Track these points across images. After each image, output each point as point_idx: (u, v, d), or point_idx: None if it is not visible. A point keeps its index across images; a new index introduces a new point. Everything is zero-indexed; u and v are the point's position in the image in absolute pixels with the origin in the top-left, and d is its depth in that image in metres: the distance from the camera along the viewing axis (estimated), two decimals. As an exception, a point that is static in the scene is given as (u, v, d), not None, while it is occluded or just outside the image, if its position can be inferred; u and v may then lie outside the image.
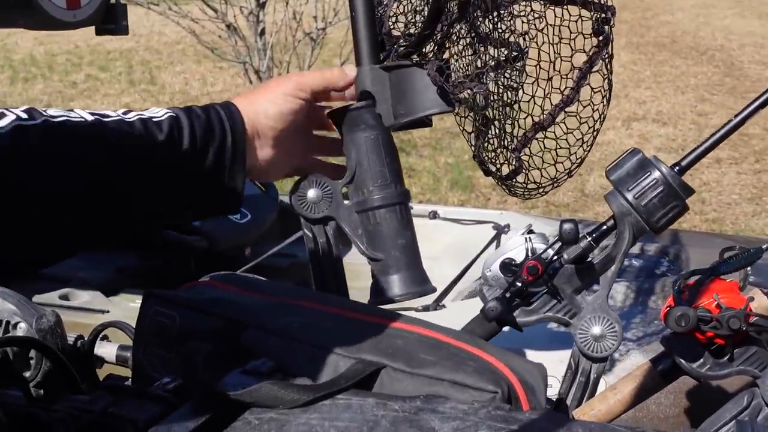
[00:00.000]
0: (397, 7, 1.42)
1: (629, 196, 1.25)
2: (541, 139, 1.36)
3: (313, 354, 1.19)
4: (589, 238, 1.28)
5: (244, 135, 1.22)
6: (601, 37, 1.29)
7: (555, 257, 1.26)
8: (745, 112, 1.29)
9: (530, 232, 1.33)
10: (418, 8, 1.40)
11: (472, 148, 1.48)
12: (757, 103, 1.29)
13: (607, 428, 1.01)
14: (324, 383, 1.12)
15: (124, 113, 1.15)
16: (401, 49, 1.37)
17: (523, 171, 1.40)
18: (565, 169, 1.35)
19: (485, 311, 1.25)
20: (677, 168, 1.28)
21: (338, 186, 1.34)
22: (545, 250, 1.27)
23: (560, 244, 1.26)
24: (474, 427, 1.00)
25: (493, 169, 1.43)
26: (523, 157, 1.39)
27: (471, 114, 1.41)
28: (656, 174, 1.25)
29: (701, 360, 1.24)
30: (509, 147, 1.39)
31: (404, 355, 1.17)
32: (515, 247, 1.32)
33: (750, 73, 10.39)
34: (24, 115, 1.07)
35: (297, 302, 1.29)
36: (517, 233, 1.35)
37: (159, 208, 1.21)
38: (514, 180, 1.42)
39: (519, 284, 1.26)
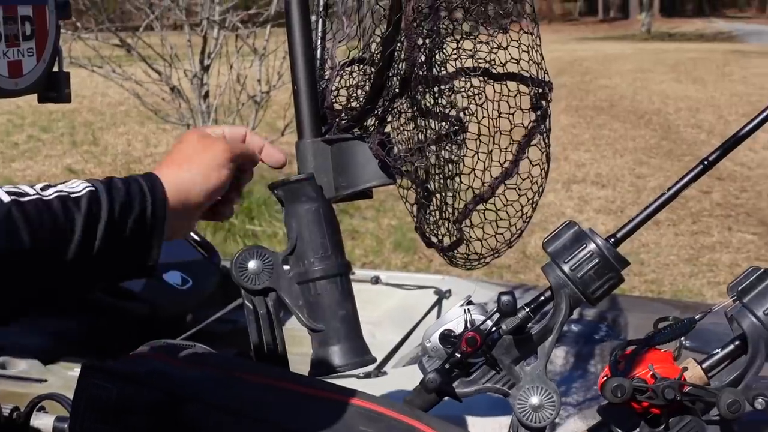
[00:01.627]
0: (339, 81, 1.44)
1: (566, 268, 1.27)
2: (482, 211, 1.39)
3: (254, 429, 1.19)
4: (527, 310, 1.29)
5: (165, 208, 1.19)
6: (539, 112, 1.32)
7: (493, 328, 1.27)
8: (678, 186, 1.32)
9: (469, 303, 1.35)
10: (360, 83, 1.42)
11: (414, 219, 1.50)
12: (689, 177, 1.33)
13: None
14: (266, 458, 1.12)
15: (43, 189, 1.13)
16: (343, 122, 1.39)
17: (464, 242, 1.42)
18: (505, 240, 1.38)
19: (425, 383, 1.26)
20: (612, 240, 1.30)
21: (279, 257, 1.35)
22: (484, 322, 1.29)
23: (499, 315, 1.27)
24: (413, 501, 1.01)
25: (435, 240, 1.45)
26: (463, 229, 1.41)
27: (412, 186, 1.43)
28: (592, 246, 1.27)
29: (638, 429, 1.26)
30: (450, 219, 1.41)
31: (344, 428, 1.17)
32: (454, 318, 1.33)
33: (686, 137, 10.61)
34: None
35: (238, 375, 1.29)
36: (457, 304, 1.36)
37: (72, 280, 1.19)
38: (455, 251, 1.44)
39: (458, 355, 1.27)
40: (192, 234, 2.86)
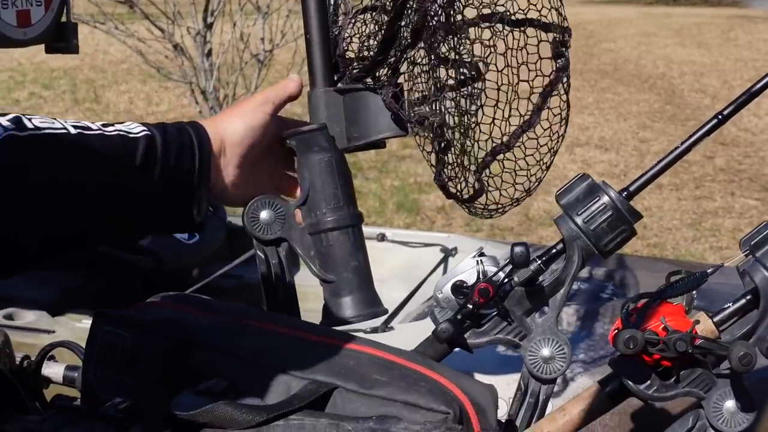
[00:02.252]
0: (352, 29, 1.43)
1: (578, 220, 1.27)
2: (501, 160, 1.38)
3: (266, 375, 1.19)
4: (539, 262, 1.29)
5: (210, 156, 1.23)
6: (561, 60, 1.31)
7: (506, 280, 1.28)
8: (691, 140, 1.32)
9: (481, 254, 1.35)
10: (372, 32, 1.41)
11: (433, 169, 1.49)
12: (703, 131, 1.32)
13: (557, 448, 1.03)
14: (277, 404, 1.13)
15: (104, 125, 1.16)
16: (354, 72, 1.38)
17: (484, 192, 1.41)
18: (524, 189, 1.37)
19: (437, 333, 1.26)
20: (625, 193, 1.30)
21: (291, 207, 1.35)
22: (496, 273, 1.29)
23: (511, 266, 1.28)
24: (427, 447, 1.02)
25: (454, 191, 1.44)
26: (483, 179, 1.40)
27: (429, 137, 1.42)
28: (605, 199, 1.27)
29: (648, 382, 1.26)
30: (470, 169, 1.41)
31: (357, 376, 1.17)
32: (466, 270, 1.33)
33: (690, 101, 10.58)
34: (11, 125, 1.08)
35: (249, 323, 1.29)
36: (469, 255, 1.36)
37: (128, 223, 1.21)
38: (474, 201, 1.43)
39: (470, 306, 1.28)
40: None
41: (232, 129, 1.29)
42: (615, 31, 16.14)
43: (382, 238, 2.84)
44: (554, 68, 1.32)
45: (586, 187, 1.29)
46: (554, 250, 1.31)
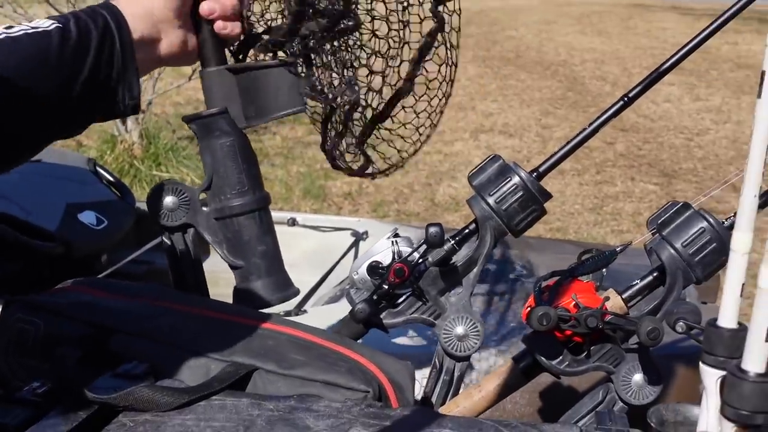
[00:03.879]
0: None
1: (490, 200, 1.29)
2: (380, 128, 1.40)
3: (184, 357, 1.19)
4: (453, 242, 1.32)
5: (129, 34, 1.17)
6: (436, 19, 1.32)
7: (420, 260, 1.29)
8: (599, 121, 1.36)
9: (396, 235, 1.37)
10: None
11: (328, 140, 1.49)
12: (610, 112, 1.36)
13: (474, 422, 1.05)
14: (197, 386, 1.13)
15: (7, 28, 1.10)
16: (262, 46, 1.36)
17: (371, 164, 1.43)
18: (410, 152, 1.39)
19: (354, 313, 1.28)
20: (535, 174, 1.33)
21: (195, 193, 1.33)
22: (411, 253, 1.31)
23: (425, 247, 1.29)
24: (348, 424, 1.03)
25: (343, 163, 1.45)
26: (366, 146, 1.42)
27: (325, 108, 1.42)
28: (516, 179, 1.30)
29: (560, 357, 1.30)
30: (355, 140, 1.42)
31: (276, 356, 1.18)
32: (382, 250, 1.35)
33: (591, 88, 10.77)
34: None
35: (165, 305, 1.28)
36: (384, 236, 1.38)
37: (61, 119, 1.16)
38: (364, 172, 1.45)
39: (386, 287, 1.29)
40: (105, 174, 2.82)
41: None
42: (518, 18, 16.34)
43: (292, 222, 2.84)
44: (430, 30, 1.33)
45: (498, 168, 1.32)
46: (467, 231, 1.34)
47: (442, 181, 7.10)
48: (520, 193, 1.29)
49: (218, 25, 1.30)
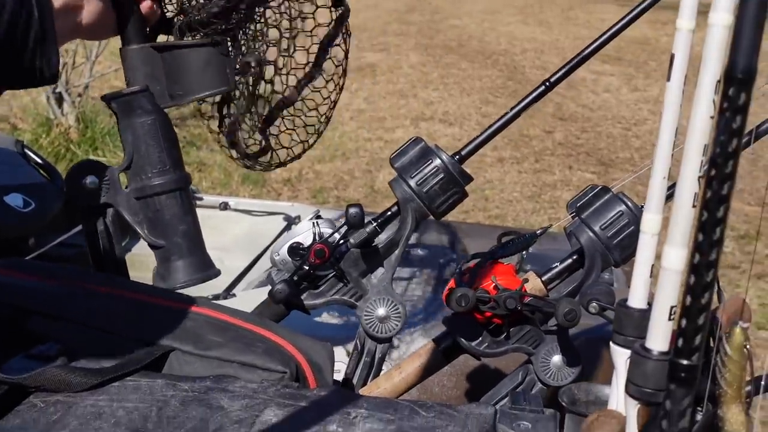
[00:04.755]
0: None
1: (412, 182, 1.29)
2: (287, 117, 1.40)
3: (101, 338, 1.18)
4: (375, 224, 1.32)
5: (50, 2, 1.15)
6: (340, 9, 1.32)
7: (341, 241, 1.29)
8: (520, 106, 1.37)
9: (318, 216, 1.36)
10: None
11: (222, 129, 1.49)
12: (531, 97, 1.37)
13: (391, 403, 1.05)
14: (112, 366, 1.12)
15: None
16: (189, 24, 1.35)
17: (270, 150, 1.43)
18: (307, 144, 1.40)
19: (272, 294, 1.27)
20: (457, 157, 1.34)
21: (115, 172, 1.32)
22: (332, 234, 1.31)
23: (347, 228, 1.29)
24: (263, 405, 1.03)
25: (242, 146, 1.45)
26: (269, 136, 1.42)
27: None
28: (437, 162, 1.30)
29: (480, 338, 1.31)
30: (256, 126, 1.42)
31: (193, 337, 1.17)
32: (303, 232, 1.34)
33: (531, 78, 10.81)
34: None
35: (84, 286, 1.27)
36: (305, 218, 1.38)
37: None
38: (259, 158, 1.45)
39: (306, 267, 1.29)
40: (34, 156, 2.78)
41: None
42: (461, 7, 16.35)
43: (225, 206, 2.82)
44: (332, 20, 1.34)
45: (419, 150, 1.32)
46: (389, 213, 1.34)
47: (382, 168, 7.09)
48: (441, 176, 1.30)
49: (145, 5, 1.28)
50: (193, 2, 1.34)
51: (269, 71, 1.41)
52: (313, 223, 1.34)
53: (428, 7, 16.05)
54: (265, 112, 1.42)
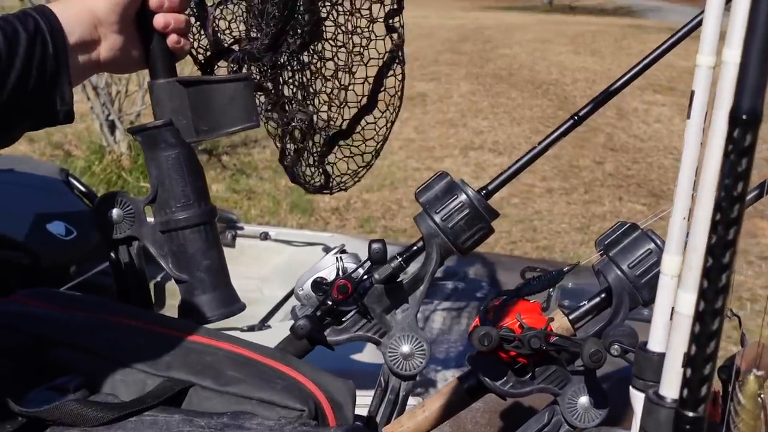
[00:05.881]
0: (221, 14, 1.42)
1: (437, 218, 1.28)
2: (342, 146, 1.41)
3: (122, 371, 1.18)
4: (399, 259, 1.30)
5: (65, 39, 1.14)
6: (395, 35, 1.32)
7: (365, 277, 1.28)
8: (549, 140, 1.35)
9: (342, 251, 1.35)
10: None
11: (289, 156, 1.50)
12: (559, 131, 1.35)
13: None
14: (131, 401, 1.11)
15: None
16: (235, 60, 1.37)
17: (331, 182, 1.44)
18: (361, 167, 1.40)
19: (294, 329, 1.26)
20: (484, 192, 1.32)
21: (140, 205, 1.32)
22: (355, 270, 1.29)
23: (370, 263, 1.28)
24: (278, 443, 1.01)
25: (301, 179, 1.46)
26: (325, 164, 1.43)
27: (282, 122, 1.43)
28: (462, 197, 1.28)
29: (504, 378, 1.28)
30: (315, 158, 1.43)
31: (212, 372, 1.16)
32: (327, 266, 1.33)
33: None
34: None
35: (107, 318, 1.27)
36: (330, 252, 1.37)
37: None
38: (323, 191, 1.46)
39: (329, 303, 1.28)
40: (77, 184, 2.81)
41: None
42: (512, 36, 16.35)
43: (265, 236, 2.82)
44: (387, 50, 1.34)
45: (445, 185, 1.30)
46: (414, 248, 1.32)
47: (429, 197, 7.09)
48: (466, 211, 1.28)
49: (172, 39, 1.28)
50: (252, 33, 1.36)
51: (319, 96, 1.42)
52: (337, 257, 1.33)
53: (481, 36, 16.07)
54: (321, 145, 1.44)
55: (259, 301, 2.44)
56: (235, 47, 1.44)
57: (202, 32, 1.45)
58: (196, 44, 1.48)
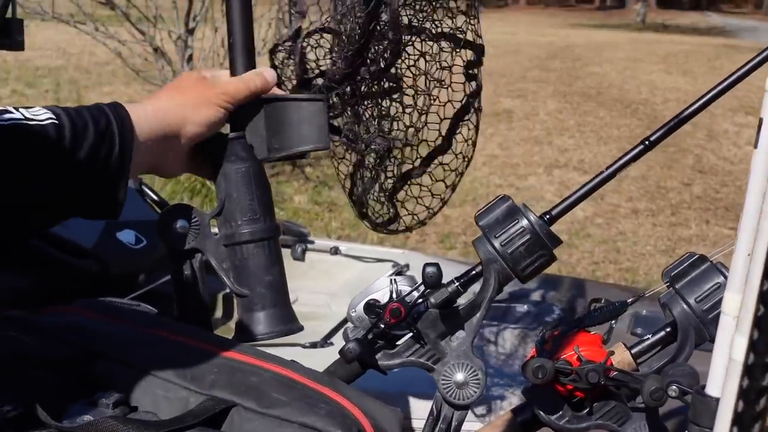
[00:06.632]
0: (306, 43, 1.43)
1: (496, 243, 1.23)
2: (413, 184, 1.39)
3: (166, 387, 1.16)
4: (457, 284, 1.26)
5: (131, 143, 1.16)
6: (473, 83, 1.29)
7: (420, 301, 1.24)
8: (617, 165, 1.30)
9: (398, 273, 1.32)
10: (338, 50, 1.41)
11: (356, 189, 1.49)
12: (629, 156, 1.30)
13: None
14: (168, 420, 1.09)
15: (2, 111, 1.08)
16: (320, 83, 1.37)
17: (398, 219, 1.41)
18: (431, 211, 1.38)
19: (344, 352, 1.22)
20: (547, 217, 1.27)
21: (206, 218, 1.31)
22: (409, 293, 1.25)
23: (425, 287, 1.24)
24: (317, 470, 0.98)
25: (371, 214, 1.45)
26: (395, 202, 1.41)
27: (348, 157, 1.43)
28: (524, 222, 1.23)
29: (560, 412, 1.23)
30: (385, 194, 1.41)
31: (256, 393, 1.14)
32: (381, 288, 1.30)
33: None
34: None
35: (156, 332, 1.25)
36: (385, 274, 1.33)
37: (38, 213, 1.15)
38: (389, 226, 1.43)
39: (381, 326, 1.24)
40: (150, 193, 2.82)
41: (177, 115, 1.24)
42: (602, 54, 16.17)
43: (335, 251, 2.80)
44: (466, 94, 1.31)
45: (506, 209, 1.25)
46: (473, 273, 1.27)
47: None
48: (527, 237, 1.23)
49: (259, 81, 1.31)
50: (336, 66, 1.36)
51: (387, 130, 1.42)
52: (391, 280, 1.29)
53: (570, 54, 15.92)
54: (392, 183, 1.42)
55: (326, 317, 2.41)
56: (319, 80, 1.44)
57: (291, 60, 1.46)
58: (287, 72, 1.49)
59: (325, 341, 2.19)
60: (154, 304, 1.40)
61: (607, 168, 1.28)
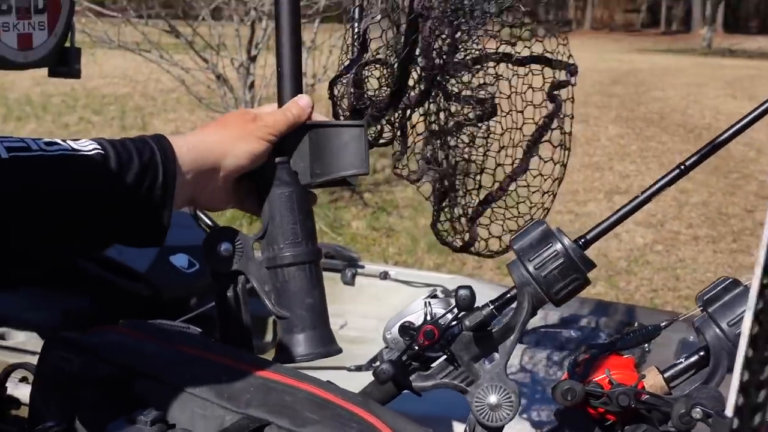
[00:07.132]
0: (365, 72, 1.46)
1: (530, 266, 1.24)
2: (495, 207, 1.42)
3: (203, 406, 1.18)
4: (491, 307, 1.27)
5: (174, 175, 1.19)
6: (554, 103, 1.31)
7: (453, 323, 1.25)
8: (652, 189, 1.30)
9: (433, 296, 1.33)
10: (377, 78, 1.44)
11: (433, 216, 1.52)
12: (664, 181, 1.30)
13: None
14: (204, 438, 1.12)
15: (47, 144, 1.10)
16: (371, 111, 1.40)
17: (477, 241, 1.44)
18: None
19: (377, 373, 1.24)
20: (582, 241, 1.28)
21: (249, 241, 1.34)
22: (443, 315, 1.27)
23: (457, 310, 1.25)
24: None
25: (451, 239, 1.48)
26: (476, 227, 1.43)
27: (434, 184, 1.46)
28: (558, 246, 1.24)
29: (592, 435, 1.23)
30: (466, 217, 1.43)
31: (290, 412, 1.16)
32: (416, 311, 1.32)
33: (735, 154, 10.44)
34: None
35: (196, 353, 1.28)
36: (420, 296, 1.35)
37: (79, 241, 1.18)
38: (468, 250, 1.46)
39: (416, 348, 1.25)
40: (204, 217, 2.87)
41: (232, 152, 1.27)
42: (665, 79, 16.05)
43: (385, 276, 2.82)
44: (543, 116, 1.34)
45: (541, 233, 1.26)
46: (508, 296, 1.29)
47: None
48: (560, 261, 1.24)
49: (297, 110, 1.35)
50: (379, 97, 1.40)
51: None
52: (425, 302, 1.30)
53: (633, 79, 15.82)
54: (472, 203, 1.46)
55: (374, 341, 2.43)
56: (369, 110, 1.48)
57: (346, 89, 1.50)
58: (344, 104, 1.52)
59: (370, 365, 2.21)
60: (204, 326, 1.43)
61: (642, 192, 1.29)
